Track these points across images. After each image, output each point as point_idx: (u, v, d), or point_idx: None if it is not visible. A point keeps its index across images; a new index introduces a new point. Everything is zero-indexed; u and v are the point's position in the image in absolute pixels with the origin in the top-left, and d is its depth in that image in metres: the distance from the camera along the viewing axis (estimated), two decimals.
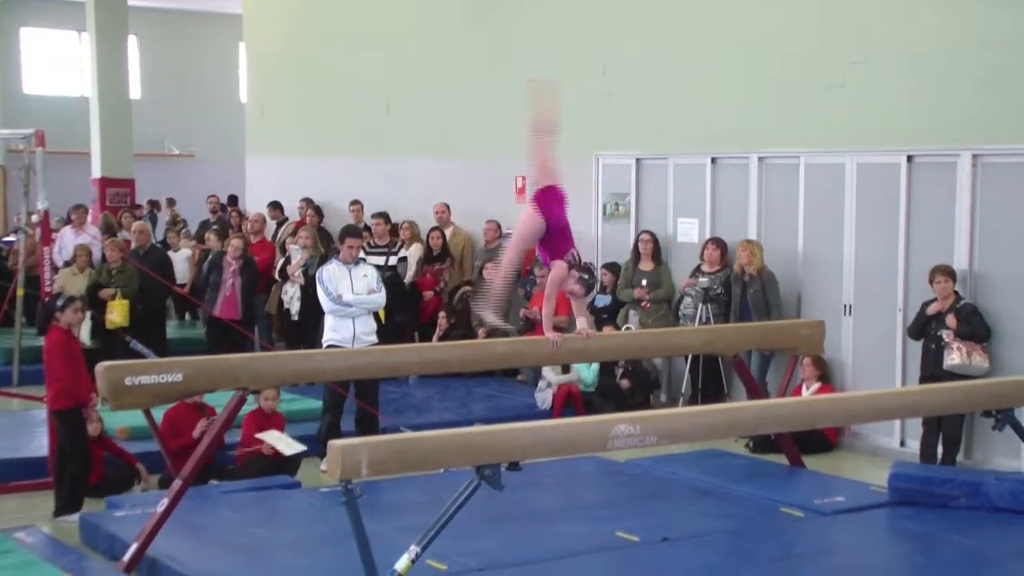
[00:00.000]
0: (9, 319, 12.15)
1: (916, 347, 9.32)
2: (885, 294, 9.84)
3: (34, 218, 9.96)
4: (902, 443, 9.78)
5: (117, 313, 12.18)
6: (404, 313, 12.43)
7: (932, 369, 8.96)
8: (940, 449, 9.04)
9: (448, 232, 13.36)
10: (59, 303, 7.97)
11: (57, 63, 24.30)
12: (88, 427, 8.26)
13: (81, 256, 12.55)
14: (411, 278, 12.93)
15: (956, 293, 9.02)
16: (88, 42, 18.80)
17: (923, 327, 9.11)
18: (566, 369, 11.01)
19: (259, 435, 8.68)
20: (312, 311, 11.92)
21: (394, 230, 13.19)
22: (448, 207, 13.42)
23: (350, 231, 9.71)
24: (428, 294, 12.96)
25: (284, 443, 8.57)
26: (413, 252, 13.06)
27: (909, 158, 9.65)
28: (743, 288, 10.38)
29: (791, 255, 10.50)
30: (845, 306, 10.13)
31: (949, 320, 8.89)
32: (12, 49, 23.76)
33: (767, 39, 10.65)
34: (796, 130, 10.43)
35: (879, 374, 9.83)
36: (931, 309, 9.02)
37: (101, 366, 6.60)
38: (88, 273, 12.58)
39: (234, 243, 12.44)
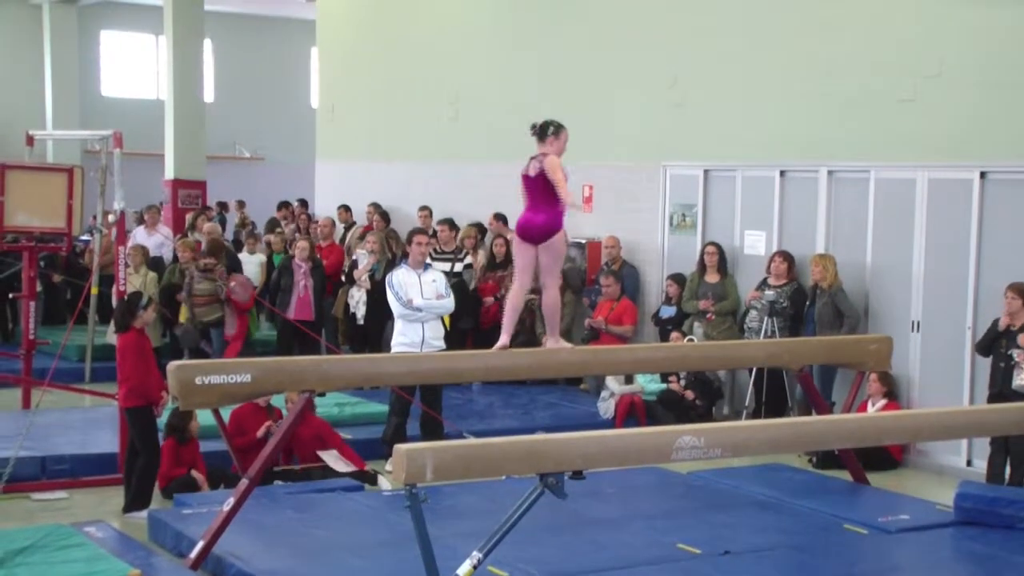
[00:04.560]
0: (82, 317, 12.39)
1: (985, 365, 9.21)
2: (954, 311, 9.73)
3: (110, 218, 10.15)
4: (968, 462, 9.67)
5: None
6: (468, 319, 12.51)
7: (1001, 388, 8.83)
8: (1008, 469, 8.91)
9: (508, 236, 13.41)
10: (143, 302, 8.12)
11: (135, 66, 24.71)
12: (191, 424, 8.49)
13: (135, 256, 12.74)
14: (474, 284, 13.00)
15: None
16: (165, 46, 19.09)
17: (992, 344, 8.99)
18: (629, 379, 11.01)
19: (320, 453, 8.86)
20: (377, 315, 12.06)
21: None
22: (497, 217, 13.48)
23: (418, 230, 9.85)
24: (489, 300, 13.02)
25: (342, 463, 8.86)
26: (477, 258, 13.14)
27: (982, 174, 9.54)
28: (813, 301, 10.32)
29: (859, 270, 10.41)
30: (913, 322, 10.03)
31: (1021, 339, 8.76)
32: (92, 51, 24.18)
33: (839, 51, 10.57)
34: (867, 144, 10.35)
35: (946, 391, 9.72)
36: (1001, 324, 8.91)
37: (173, 365, 6.72)
38: (143, 272, 12.79)
39: (300, 245, 12.62)
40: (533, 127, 7.34)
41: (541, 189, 7.27)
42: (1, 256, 11.88)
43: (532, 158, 7.31)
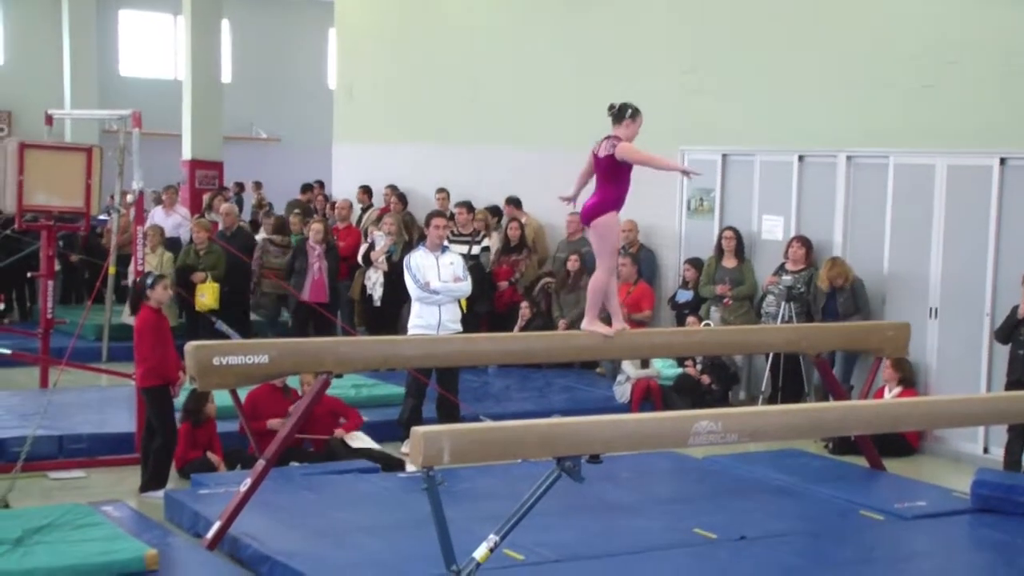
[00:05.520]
0: (100, 296, 12.43)
1: (1003, 353, 9.17)
2: (973, 298, 9.69)
3: (129, 198, 10.16)
4: (985, 449, 9.64)
5: (208, 295, 12.44)
6: (484, 302, 12.51)
7: (1019, 375, 8.80)
8: None
9: (522, 220, 13.41)
10: (149, 281, 8.13)
11: (153, 46, 24.72)
12: (207, 406, 8.50)
13: (153, 236, 12.77)
14: (489, 268, 12.99)
15: None
16: (183, 26, 19.10)
17: (1011, 332, 8.95)
18: (645, 363, 11.00)
19: (345, 438, 8.89)
20: (394, 297, 12.06)
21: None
22: (511, 200, 13.46)
23: (436, 212, 9.84)
24: (503, 284, 13.02)
25: (358, 440, 8.88)
26: (492, 241, 13.14)
27: (1002, 160, 9.49)
28: (832, 293, 10.27)
29: (877, 256, 10.37)
30: (931, 309, 9.99)
31: None
32: (111, 31, 24.19)
33: (859, 37, 10.51)
34: (886, 130, 10.29)
35: (964, 379, 9.68)
36: (1020, 312, 8.87)
37: (190, 345, 6.73)
38: (160, 252, 12.82)
39: (315, 227, 12.65)
40: (611, 107, 7.21)
41: (604, 170, 7.19)
42: (20, 235, 11.91)
43: (606, 138, 7.18)
